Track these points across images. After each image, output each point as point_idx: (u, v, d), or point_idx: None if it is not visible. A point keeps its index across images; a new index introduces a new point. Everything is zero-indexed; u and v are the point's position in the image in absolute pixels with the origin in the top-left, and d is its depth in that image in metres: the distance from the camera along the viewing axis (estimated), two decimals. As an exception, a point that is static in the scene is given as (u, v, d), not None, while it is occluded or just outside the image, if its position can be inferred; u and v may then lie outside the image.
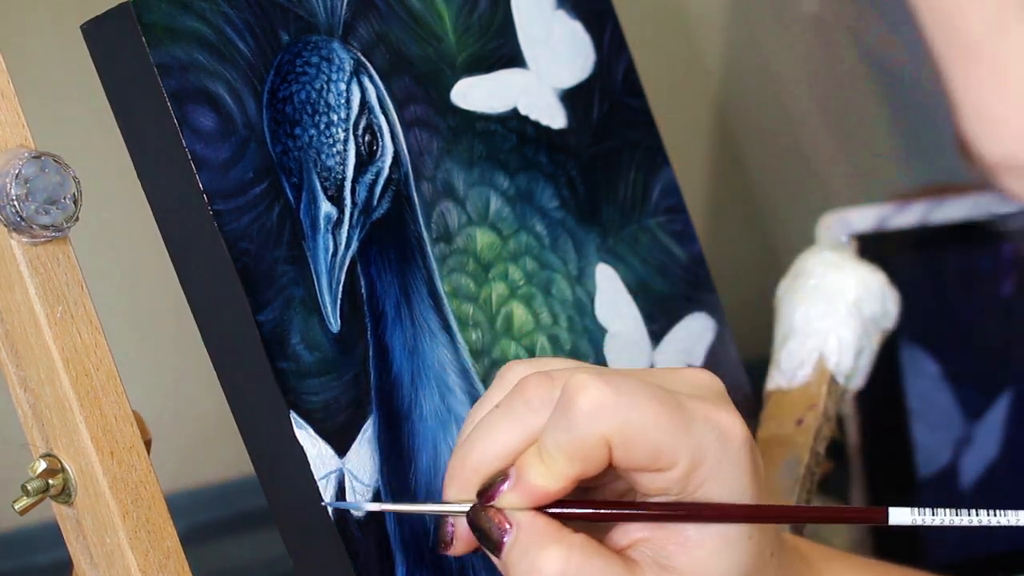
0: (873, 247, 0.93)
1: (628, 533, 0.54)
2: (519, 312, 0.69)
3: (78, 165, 0.57)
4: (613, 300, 0.73)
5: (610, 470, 0.54)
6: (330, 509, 0.58)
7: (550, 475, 0.53)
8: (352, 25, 0.64)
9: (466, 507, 0.54)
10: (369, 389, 0.61)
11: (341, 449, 0.59)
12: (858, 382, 0.78)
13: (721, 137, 1.30)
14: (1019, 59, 0.77)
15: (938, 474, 0.97)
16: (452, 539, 0.55)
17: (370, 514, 0.60)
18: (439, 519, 0.56)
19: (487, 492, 0.53)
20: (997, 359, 0.98)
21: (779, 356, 0.77)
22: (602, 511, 0.54)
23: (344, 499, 0.59)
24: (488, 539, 0.53)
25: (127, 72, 0.56)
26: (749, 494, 0.53)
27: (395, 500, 0.61)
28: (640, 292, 0.74)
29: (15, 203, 0.54)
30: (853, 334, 0.76)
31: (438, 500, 0.58)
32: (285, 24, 0.61)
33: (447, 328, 0.65)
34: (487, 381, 0.66)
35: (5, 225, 0.55)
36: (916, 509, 0.54)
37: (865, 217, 0.94)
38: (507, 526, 0.53)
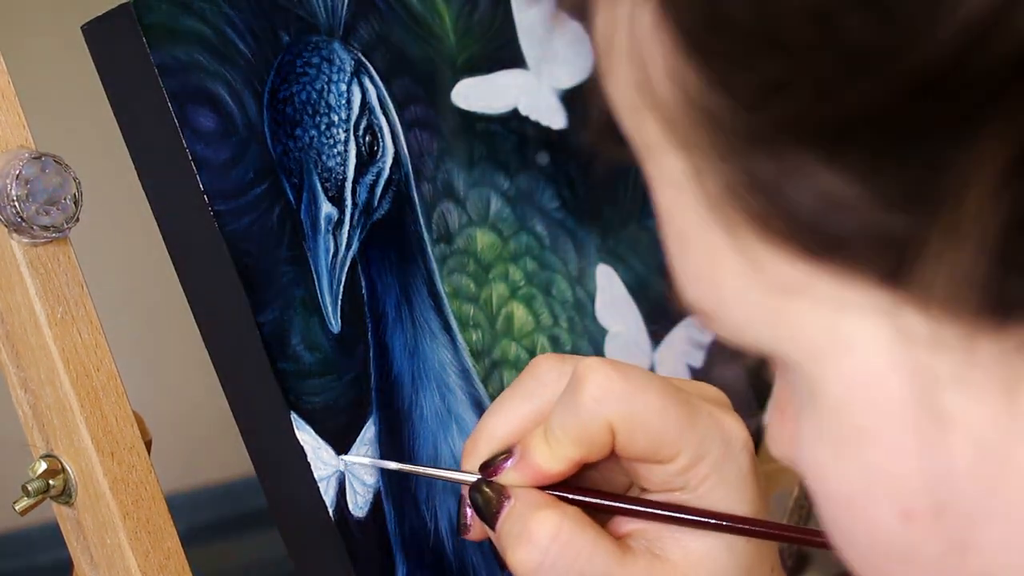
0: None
1: (624, 523, 0.54)
2: (519, 313, 0.69)
3: (78, 165, 0.57)
4: (613, 300, 0.73)
5: (613, 464, 0.54)
6: (330, 510, 0.58)
7: (553, 456, 0.53)
8: (353, 26, 0.64)
9: (474, 477, 0.54)
10: (370, 390, 0.61)
11: (341, 449, 0.59)
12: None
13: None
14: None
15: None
16: (470, 523, 0.56)
17: (370, 514, 0.60)
18: (460, 505, 0.56)
19: (490, 467, 0.53)
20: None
21: None
22: (598, 500, 0.54)
23: (345, 501, 0.59)
24: (485, 511, 0.53)
25: (127, 72, 0.56)
26: (749, 497, 0.53)
27: (396, 500, 0.61)
28: (640, 292, 0.74)
29: (15, 204, 0.54)
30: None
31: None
32: (286, 25, 0.60)
33: (448, 329, 0.65)
34: (488, 382, 0.66)
35: (5, 226, 0.55)
36: None
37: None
38: (505, 500, 0.53)
